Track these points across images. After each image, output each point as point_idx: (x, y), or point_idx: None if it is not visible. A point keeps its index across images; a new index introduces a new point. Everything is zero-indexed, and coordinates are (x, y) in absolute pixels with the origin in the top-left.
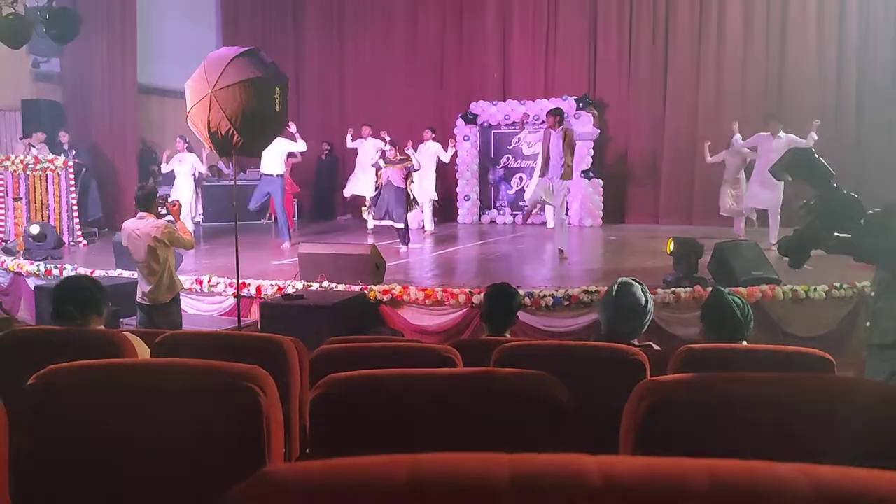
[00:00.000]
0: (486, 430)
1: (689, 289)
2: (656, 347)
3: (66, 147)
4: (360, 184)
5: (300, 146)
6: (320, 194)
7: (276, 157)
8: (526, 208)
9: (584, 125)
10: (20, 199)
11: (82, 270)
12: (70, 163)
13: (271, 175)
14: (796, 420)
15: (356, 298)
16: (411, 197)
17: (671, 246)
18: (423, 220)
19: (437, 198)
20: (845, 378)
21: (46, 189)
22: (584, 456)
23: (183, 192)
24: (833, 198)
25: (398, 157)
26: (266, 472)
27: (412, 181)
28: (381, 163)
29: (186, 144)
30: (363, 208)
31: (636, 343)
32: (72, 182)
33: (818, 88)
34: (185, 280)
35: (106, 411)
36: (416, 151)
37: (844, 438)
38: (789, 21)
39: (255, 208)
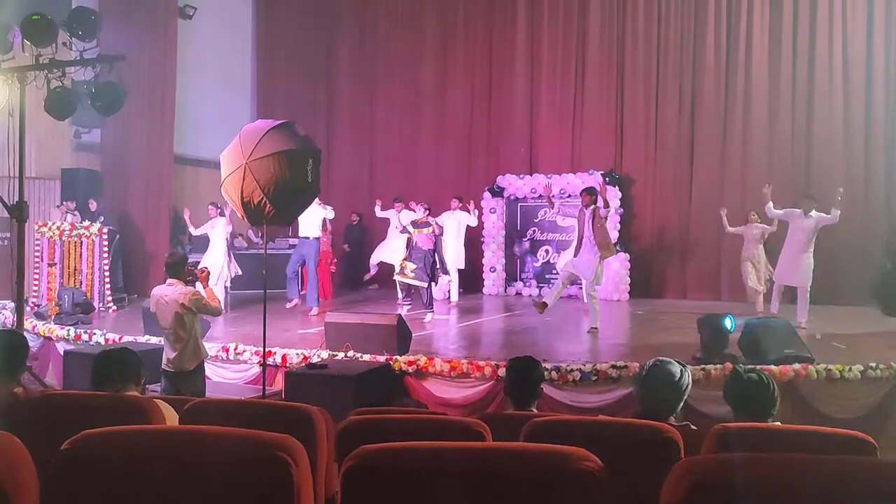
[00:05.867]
0: None
1: (719, 365)
2: (693, 427)
3: (95, 213)
4: (388, 251)
5: (329, 213)
6: (348, 265)
7: (312, 220)
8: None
9: (610, 199)
10: (55, 264)
11: (111, 336)
12: (105, 230)
13: (307, 238)
14: None
15: (381, 369)
16: (438, 264)
17: (730, 323)
18: (448, 291)
19: (463, 267)
20: (892, 462)
21: (80, 255)
22: None
23: (216, 255)
24: None
25: (425, 220)
26: None
27: (442, 248)
28: (411, 228)
29: (219, 210)
30: (395, 273)
31: (674, 422)
32: (105, 248)
33: (845, 159)
34: (212, 347)
35: (138, 478)
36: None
37: None
38: (815, 91)
39: (291, 273)
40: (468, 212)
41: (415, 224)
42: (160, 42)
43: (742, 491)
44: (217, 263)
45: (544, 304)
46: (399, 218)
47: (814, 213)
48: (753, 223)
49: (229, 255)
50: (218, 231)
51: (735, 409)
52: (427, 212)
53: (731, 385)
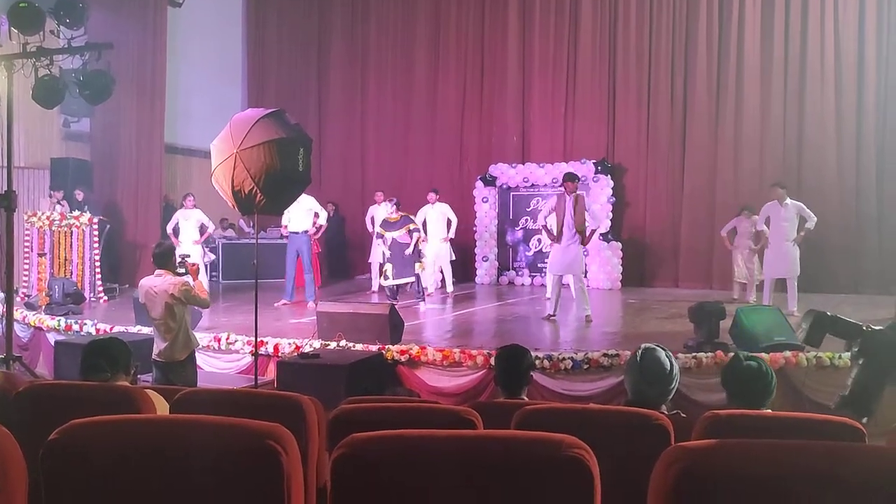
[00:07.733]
0: (511, 493)
1: (710, 353)
2: (683, 416)
3: (81, 203)
4: (378, 251)
5: (321, 215)
6: (329, 254)
7: (301, 214)
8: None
9: (602, 188)
10: (44, 254)
11: (102, 326)
12: (95, 220)
13: (297, 233)
14: (828, 490)
15: (373, 358)
16: (420, 254)
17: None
18: (441, 281)
19: (454, 258)
20: (880, 448)
21: (70, 245)
22: None
23: (188, 248)
24: (873, 341)
25: (399, 217)
26: None
27: (422, 240)
28: (380, 230)
29: (194, 202)
30: (380, 277)
31: (664, 411)
32: (95, 238)
33: (836, 155)
34: (203, 337)
35: (127, 467)
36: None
37: None
38: (807, 79)
39: (290, 272)
40: (453, 208)
41: (387, 225)
42: (149, 30)
43: (730, 477)
44: (195, 255)
45: (551, 316)
46: (380, 210)
47: (789, 200)
48: (745, 216)
49: (203, 250)
50: (192, 223)
51: (731, 395)
52: (397, 207)
53: (729, 371)
